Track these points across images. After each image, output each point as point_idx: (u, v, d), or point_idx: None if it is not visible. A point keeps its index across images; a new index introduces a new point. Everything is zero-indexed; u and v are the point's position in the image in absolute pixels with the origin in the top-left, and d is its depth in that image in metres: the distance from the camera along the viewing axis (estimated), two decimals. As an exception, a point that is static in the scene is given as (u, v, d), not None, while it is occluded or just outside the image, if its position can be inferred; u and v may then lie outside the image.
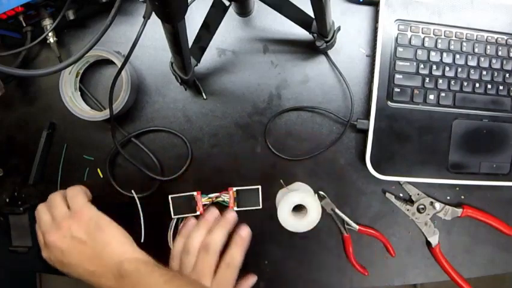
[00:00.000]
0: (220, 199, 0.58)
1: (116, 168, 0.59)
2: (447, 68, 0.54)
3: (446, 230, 0.60)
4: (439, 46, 0.54)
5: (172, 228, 0.59)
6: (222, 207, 0.59)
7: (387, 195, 0.59)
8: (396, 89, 0.54)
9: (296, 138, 0.58)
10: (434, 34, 0.53)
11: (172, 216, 0.58)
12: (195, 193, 0.57)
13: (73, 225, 0.45)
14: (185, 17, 0.32)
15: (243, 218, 0.59)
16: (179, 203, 0.58)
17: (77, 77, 0.56)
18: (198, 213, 0.58)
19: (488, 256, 0.61)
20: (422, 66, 0.54)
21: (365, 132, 0.56)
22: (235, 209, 0.58)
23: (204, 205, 0.58)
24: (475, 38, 0.54)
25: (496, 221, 0.59)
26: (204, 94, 0.57)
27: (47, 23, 0.50)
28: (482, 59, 0.54)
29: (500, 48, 0.54)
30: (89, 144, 0.59)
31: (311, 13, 0.44)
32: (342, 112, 0.57)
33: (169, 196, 0.58)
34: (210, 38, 0.48)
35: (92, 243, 0.45)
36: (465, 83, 0.54)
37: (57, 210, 0.47)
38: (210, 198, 0.58)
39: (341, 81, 0.57)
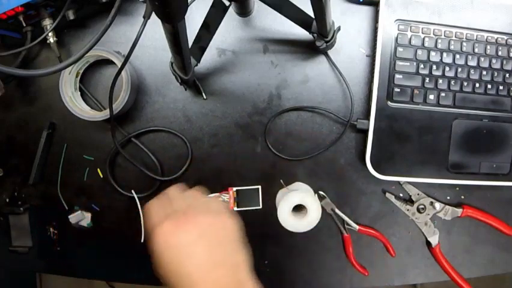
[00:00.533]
0: (220, 199, 0.58)
1: (116, 168, 0.59)
2: (447, 68, 0.54)
3: (446, 230, 0.60)
4: (439, 46, 0.54)
5: (172, 228, 0.59)
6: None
7: (387, 195, 0.59)
8: (396, 89, 0.54)
9: (296, 138, 0.58)
10: (434, 34, 0.53)
11: (172, 216, 0.58)
12: (195, 193, 0.57)
13: (214, 224, 0.39)
14: (186, 17, 0.32)
15: (243, 218, 0.59)
16: (179, 203, 0.58)
17: (77, 77, 0.56)
18: (198, 213, 0.58)
19: (488, 256, 0.61)
20: (422, 66, 0.54)
21: (365, 132, 0.56)
22: (235, 209, 0.58)
23: (204, 205, 0.58)
24: (475, 38, 0.54)
25: (496, 221, 0.59)
26: (204, 94, 0.57)
27: (47, 23, 0.50)
28: (482, 59, 0.54)
29: (500, 48, 0.54)
30: (89, 144, 0.59)
31: (311, 13, 0.44)
32: (342, 112, 0.57)
33: (169, 196, 0.58)
34: (210, 38, 0.48)
35: (226, 250, 0.38)
36: (465, 83, 0.54)
37: (191, 199, 0.42)
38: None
39: (341, 81, 0.57)
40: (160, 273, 0.38)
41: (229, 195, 0.58)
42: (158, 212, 0.40)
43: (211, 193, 0.58)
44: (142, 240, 0.58)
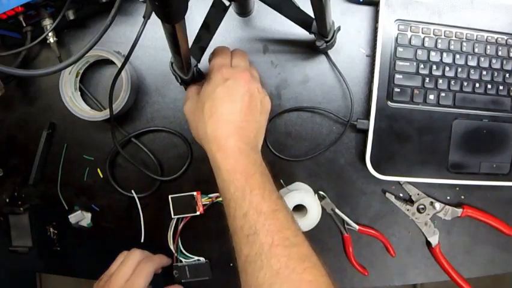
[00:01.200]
0: (220, 199, 0.58)
1: (116, 168, 0.59)
2: (447, 68, 0.54)
3: (446, 230, 0.60)
4: (439, 46, 0.54)
5: (172, 228, 0.59)
6: (222, 207, 0.59)
7: (387, 195, 0.59)
8: (396, 89, 0.54)
9: (296, 138, 0.58)
10: (434, 34, 0.53)
11: (172, 216, 0.58)
12: (194, 193, 0.57)
13: (260, 94, 0.45)
14: (185, 17, 0.32)
15: (243, 218, 0.59)
16: (179, 203, 0.58)
17: (77, 77, 0.56)
18: (197, 213, 0.58)
19: (488, 256, 0.61)
20: (422, 66, 0.54)
21: (365, 132, 0.56)
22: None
23: (204, 205, 0.58)
24: (475, 38, 0.54)
25: (496, 221, 0.59)
26: (204, 94, 0.57)
27: (47, 23, 0.50)
28: (482, 59, 0.54)
29: (500, 48, 0.54)
30: (89, 144, 0.59)
31: (311, 13, 0.44)
32: (342, 112, 0.57)
33: (169, 196, 0.58)
34: (210, 38, 0.47)
35: (257, 119, 0.44)
36: (465, 83, 0.54)
37: (244, 62, 0.47)
38: (209, 198, 0.58)
39: (341, 81, 0.57)
40: (193, 111, 0.46)
41: (229, 195, 0.58)
42: (223, 57, 0.46)
43: (211, 193, 0.59)
44: (142, 240, 0.58)
